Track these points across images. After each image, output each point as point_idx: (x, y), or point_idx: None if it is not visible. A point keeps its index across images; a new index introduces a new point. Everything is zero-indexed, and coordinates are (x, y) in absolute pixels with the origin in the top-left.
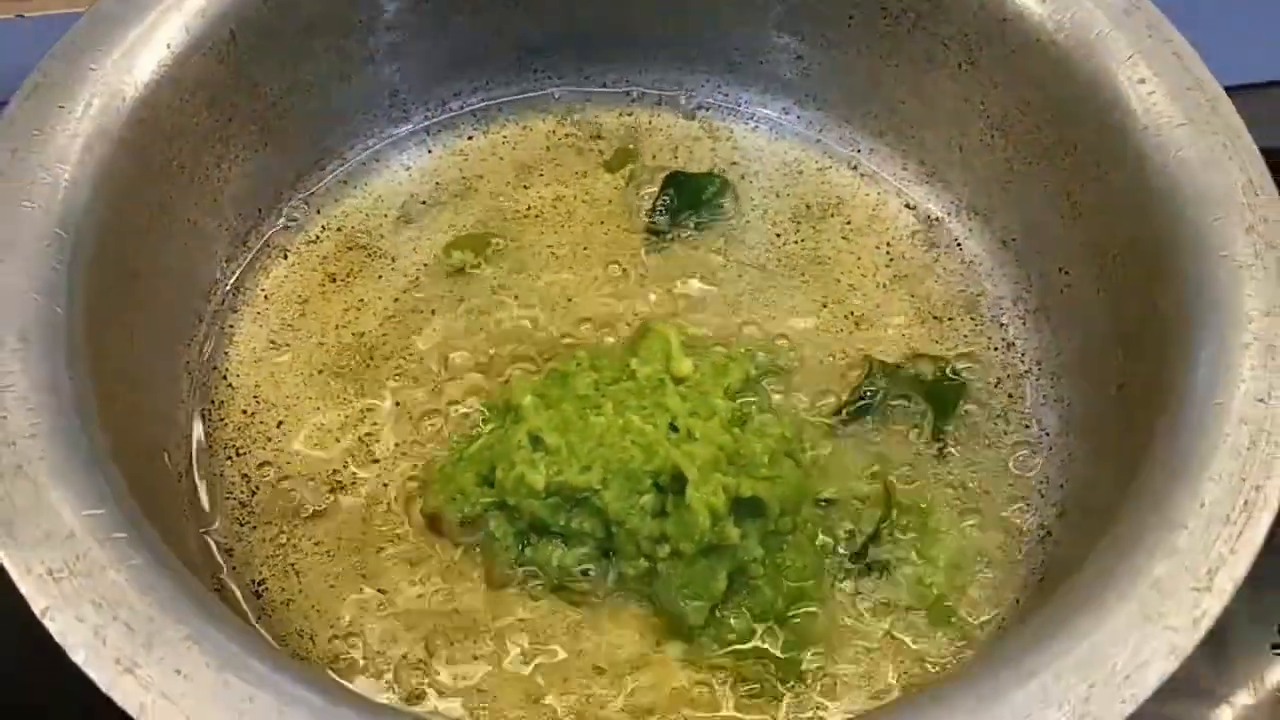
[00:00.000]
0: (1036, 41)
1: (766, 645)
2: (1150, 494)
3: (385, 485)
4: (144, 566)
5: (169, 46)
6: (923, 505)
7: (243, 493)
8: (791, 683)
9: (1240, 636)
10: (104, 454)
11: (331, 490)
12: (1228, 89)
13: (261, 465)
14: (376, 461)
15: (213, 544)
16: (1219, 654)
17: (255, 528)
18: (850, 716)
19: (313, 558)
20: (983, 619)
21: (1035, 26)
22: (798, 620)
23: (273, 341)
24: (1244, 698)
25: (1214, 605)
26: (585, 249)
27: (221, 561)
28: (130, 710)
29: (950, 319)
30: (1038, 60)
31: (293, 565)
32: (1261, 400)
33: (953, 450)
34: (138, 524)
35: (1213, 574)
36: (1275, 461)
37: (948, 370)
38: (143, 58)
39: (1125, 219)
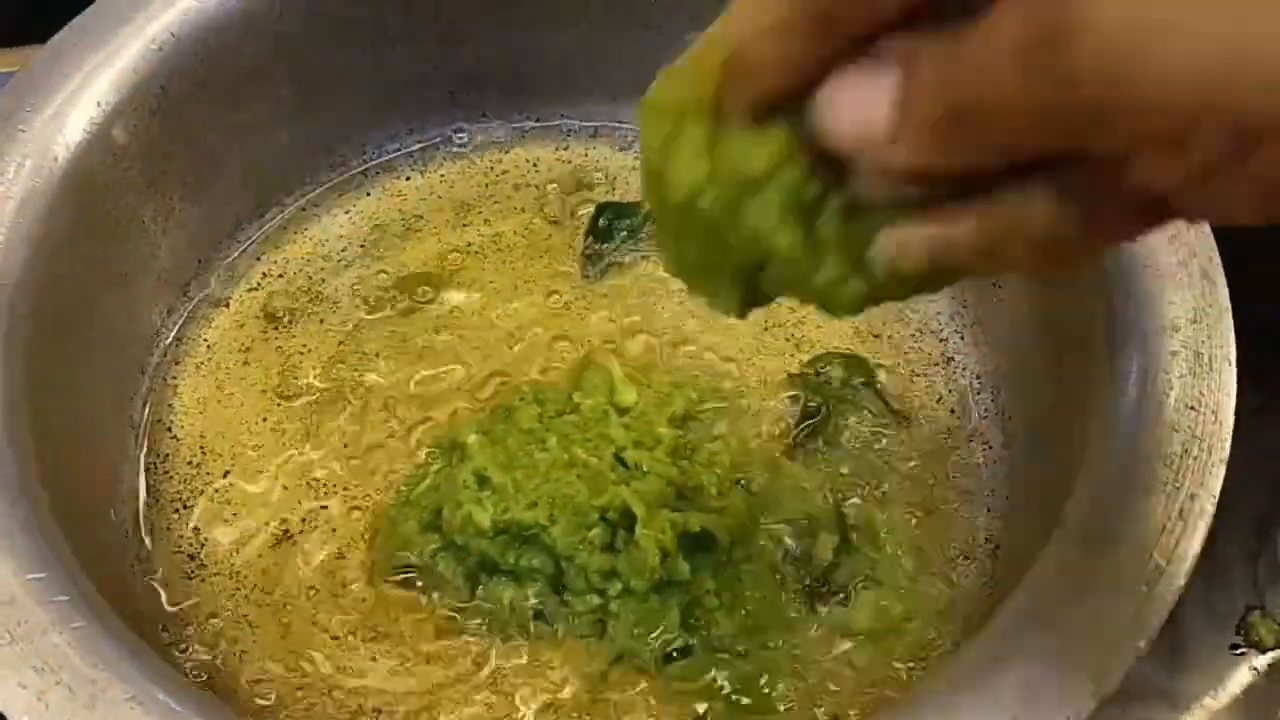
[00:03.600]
0: None
1: (723, 677)
2: (1086, 505)
3: (335, 531)
4: (86, 628)
5: (99, 104)
6: (874, 525)
7: (191, 545)
8: (750, 714)
9: (1198, 639)
10: (45, 516)
11: (281, 540)
12: None
13: (209, 517)
14: (326, 508)
15: (162, 598)
16: (1177, 658)
17: (205, 580)
18: None
19: (264, 609)
20: (937, 637)
21: None
22: (756, 651)
23: (217, 391)
24: (1205, 700)
25: (1157, 615)
26: (526, 283)
27: (172, 616)
28: None
29: (890, 335)
30: None
31: (244, 617)
32: (1192, 408)
33: (900, 466)
34: (80, 586)
35: (1152, 585)
36: (1209, 468)
37: (838, 360)
38: (73, 117)
39: None
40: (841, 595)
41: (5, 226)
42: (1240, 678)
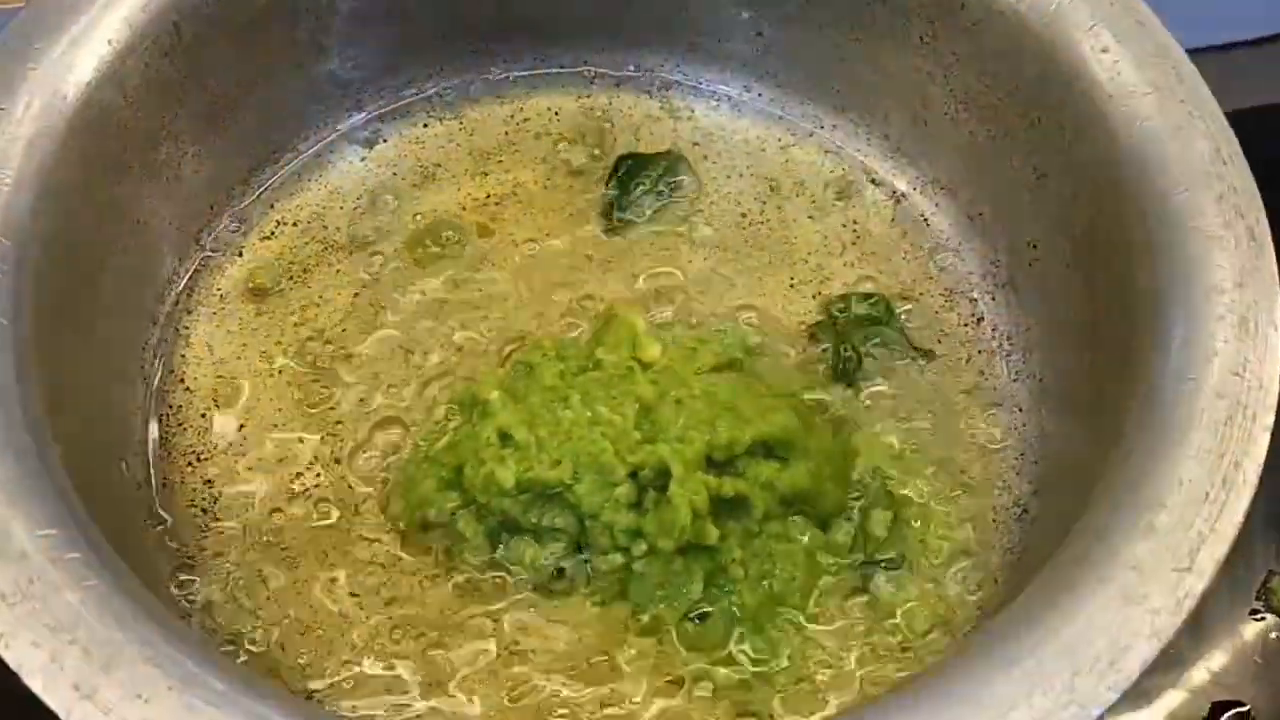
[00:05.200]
0: (998, 12)
1: (737, 648)
2: (1126, 473)
3: (350, 487)
4: (100, 587)
5: (110, 42)
6: (913, 498)
7: (204, 499)
8: (762, 691)
9: (1218, 604)
10: (57, 470)
11: (295, 494)
12: (1190, 51)
13: (222, 470)
14: (340, 462)
15: (175, 553)
16: (1197, 622)
17: (218, 535)
18: (831, 715)
19: (278, 564)
20: (965, 607)
21: None
22: (776, 629)
23: (230, 342)
24: (1225, 664)
25: (1197, 585)
26: (547, 235)
27: (184, 571)
28: None
29: (919, 296)
30: (999, 31)
31: (258, 572)
32: (1236, 374)
33: (928, 430)
34: (93, 543)
35: (1194, 554)
36: (1253, 436)
37: (860, 298)
38: (83, 55)
39: (1092, 191)
40: (889, 571)
41: (13, 168)
42: (1259, 642)
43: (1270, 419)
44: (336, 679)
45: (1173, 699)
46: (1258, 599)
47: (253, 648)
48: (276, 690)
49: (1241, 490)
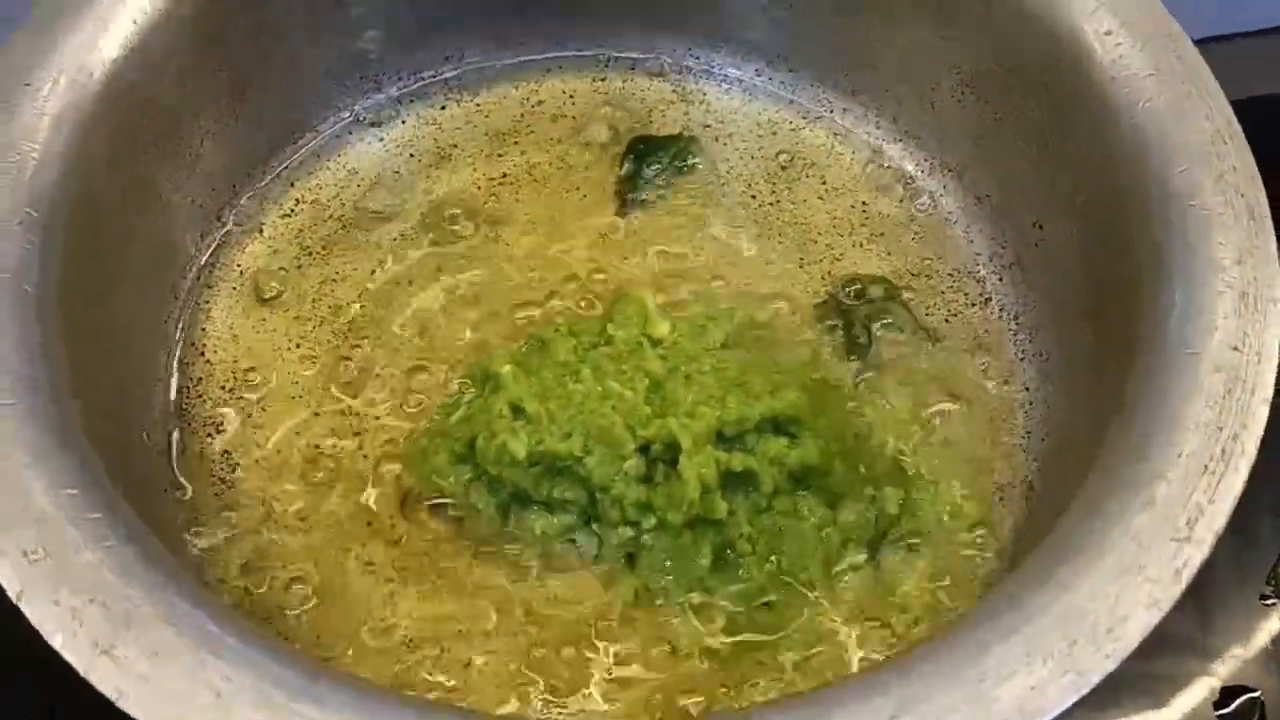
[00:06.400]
0: None
1: (743, 622)
2: (1127, 445)
3: (367, 459)
4: (120, 547)
5: (135, 21)
6: (923, 475)
7: (223, 469)
8: (769, 664)
9: (1227, 590)
10: (79, 433)
11: (312, 465)
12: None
13: (242, 442)
14: (358, 435)
15: (193, 521)
16: (1205, 608)
17: (237, 504)
18: (841, 676)
19: (296, 534)
20: (973, 583)
21: None
22: (781, 602)
23: (249, 317)
24: (1234, 650)
25: (1195, 556)
26: (561, 215)
27: (204, 540)
28: (108, 693)
29: (928, 276)
30: (1006, 15)
31: (275, 543)
32: (1235, 348)
33: (937, 407)
34: (113, 503)
35: (1192, 524)
36: (1251, 409)
37: (867, 281)
38: (109, 32)
39: (1095, 171)
40: (899, 548)
41: (40, 142)
42: (1268, 628)
43: (1269, 392)
44: (350, 643)
45: (1183, 685)
46: (1268, 584)
47: (268, 613)
48: (291, 650)
49: (1240, 462)
